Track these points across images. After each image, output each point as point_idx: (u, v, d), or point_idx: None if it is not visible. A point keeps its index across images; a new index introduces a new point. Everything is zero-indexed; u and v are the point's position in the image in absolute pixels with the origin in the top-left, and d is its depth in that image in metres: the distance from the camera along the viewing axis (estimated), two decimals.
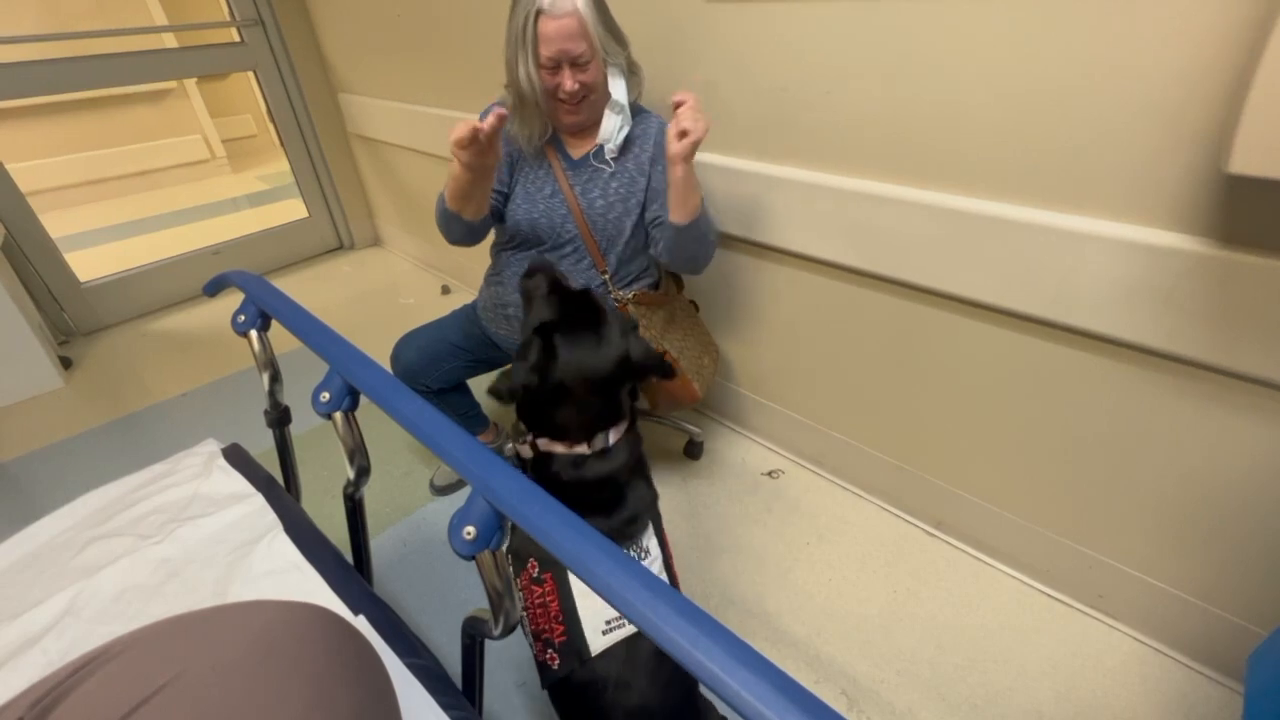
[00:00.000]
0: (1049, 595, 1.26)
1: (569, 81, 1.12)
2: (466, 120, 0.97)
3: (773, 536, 1.45)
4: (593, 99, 1.17)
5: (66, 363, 2.33)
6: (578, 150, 1.27)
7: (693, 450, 1.68)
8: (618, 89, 1.17)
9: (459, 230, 1.22)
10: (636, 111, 1.25)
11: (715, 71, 1.28)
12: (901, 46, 1.01)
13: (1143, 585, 1.13)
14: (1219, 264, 0.83)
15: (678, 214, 1.13)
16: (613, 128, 1.19)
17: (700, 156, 1.38)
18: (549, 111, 1.19)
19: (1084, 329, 0.99)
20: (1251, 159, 0.65)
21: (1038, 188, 0.96)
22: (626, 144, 1.24)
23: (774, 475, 1.62)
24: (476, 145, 0.99)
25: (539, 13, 1.06)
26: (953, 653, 1.18)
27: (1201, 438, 0.97)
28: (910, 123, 1.05)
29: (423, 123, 2.26)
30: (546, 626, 0.80)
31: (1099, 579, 1.19)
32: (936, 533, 1.42)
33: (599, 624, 0.79)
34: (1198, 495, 1.01)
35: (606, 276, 1.28)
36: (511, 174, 1.28)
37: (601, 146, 1.21)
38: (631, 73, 1.20)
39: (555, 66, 1.11)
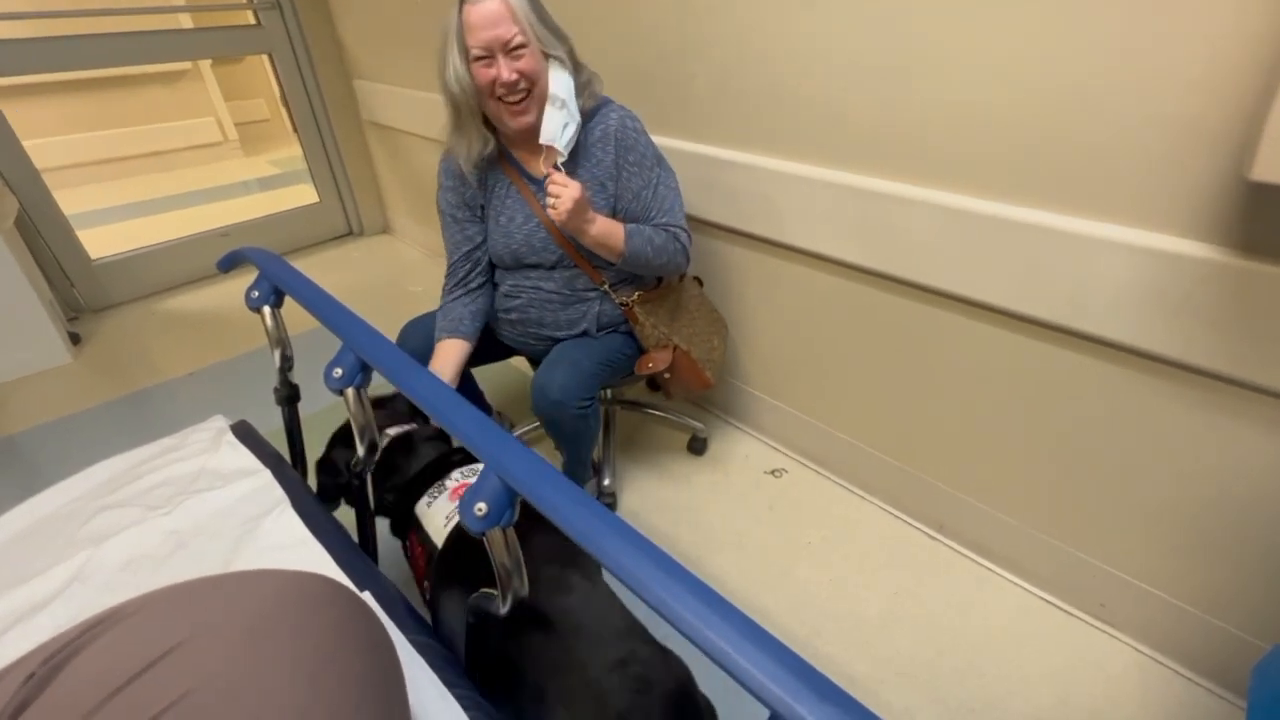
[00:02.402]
0: (1050, 602, 1.26)
1: (505, 71, 1.03)
2: None
3: (774, 535, 1.44)
4: (537, 92, 1.08)
5: (75, 339, 2.34)
6: (539, 169, 1.20)
7: (696, 446, 1.68)
8: (557, 82, 1.07)
9: None
10: (596, 107, 1.18)
11: (726, 64, 1.28)
12: (917, 44, 1.01)
13: (1145, 595, 1.13)
14: (1237, 273, 0.82)
15: (609, 259, 1.20)
16: (555, 126, 1.07)
17: (709, 150, 1.38)
18: (494, 116, 1.12)
19: (1095, 335, 0.99)
20: (1276, 165, 0.65)
21: (1052, 191, 0.96)
22: (588, 149, 1.17)
23: (777, 474, 1.62)
24: None
25: (463, 3, 1.03)
26: (952, 656, 1.18)
27: (1209, 448, 0.96)
28: (926, 123, 1.05)
29: (440, 111, 2.26)
30: None
31: (1101, 587, 1.18)
32: (938, 536, 1.41)
33: None
34: (1203, 506, 1.00)
35: (606, 287, 1.26)
36: (483, 219, 1.25)
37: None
38: (577, 70, 1.11)
39: (489, 57, 1.04)
